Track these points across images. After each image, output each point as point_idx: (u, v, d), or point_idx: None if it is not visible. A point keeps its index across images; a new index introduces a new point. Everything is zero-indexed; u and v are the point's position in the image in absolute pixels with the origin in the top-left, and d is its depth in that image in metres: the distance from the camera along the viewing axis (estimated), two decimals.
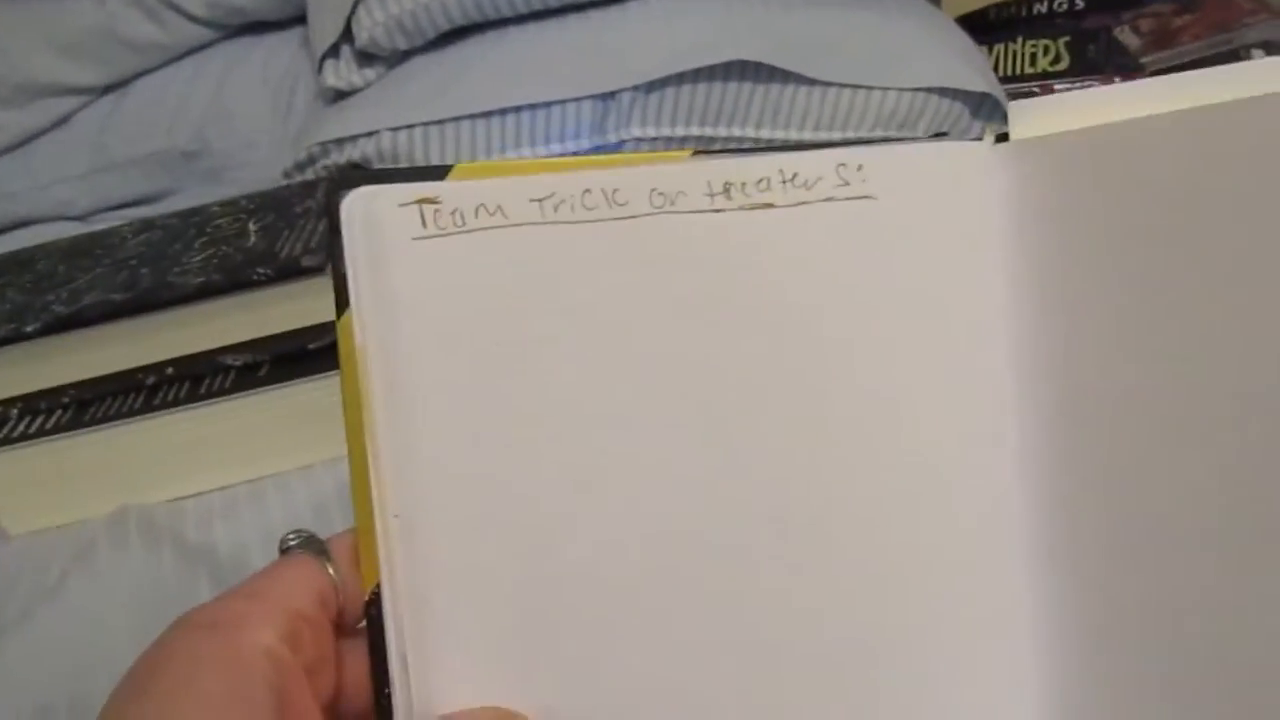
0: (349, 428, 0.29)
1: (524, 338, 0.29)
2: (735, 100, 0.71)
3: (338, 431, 0.29)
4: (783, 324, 0.30)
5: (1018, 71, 0.99)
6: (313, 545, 0.29)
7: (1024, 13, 0.99)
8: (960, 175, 0.31)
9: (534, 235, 0.29)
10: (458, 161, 0.65)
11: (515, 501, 0.29)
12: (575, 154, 0.72)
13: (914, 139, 0.63)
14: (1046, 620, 0.30)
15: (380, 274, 0.29)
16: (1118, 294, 0.29)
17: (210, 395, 0.52)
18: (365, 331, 0.29)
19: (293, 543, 0.29)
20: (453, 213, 0.29)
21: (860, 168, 0.30)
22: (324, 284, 0.54)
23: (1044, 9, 0.98)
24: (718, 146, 0.72)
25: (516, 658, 0.29)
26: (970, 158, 0.31)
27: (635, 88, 0.70)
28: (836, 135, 0.72)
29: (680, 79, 0.70)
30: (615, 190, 0.30)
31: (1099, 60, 0.96)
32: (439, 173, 0.29)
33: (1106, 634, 0.30)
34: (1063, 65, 0.97)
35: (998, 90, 0.71)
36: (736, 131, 0.72)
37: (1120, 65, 0.94)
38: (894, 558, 0.31)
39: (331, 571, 0.29)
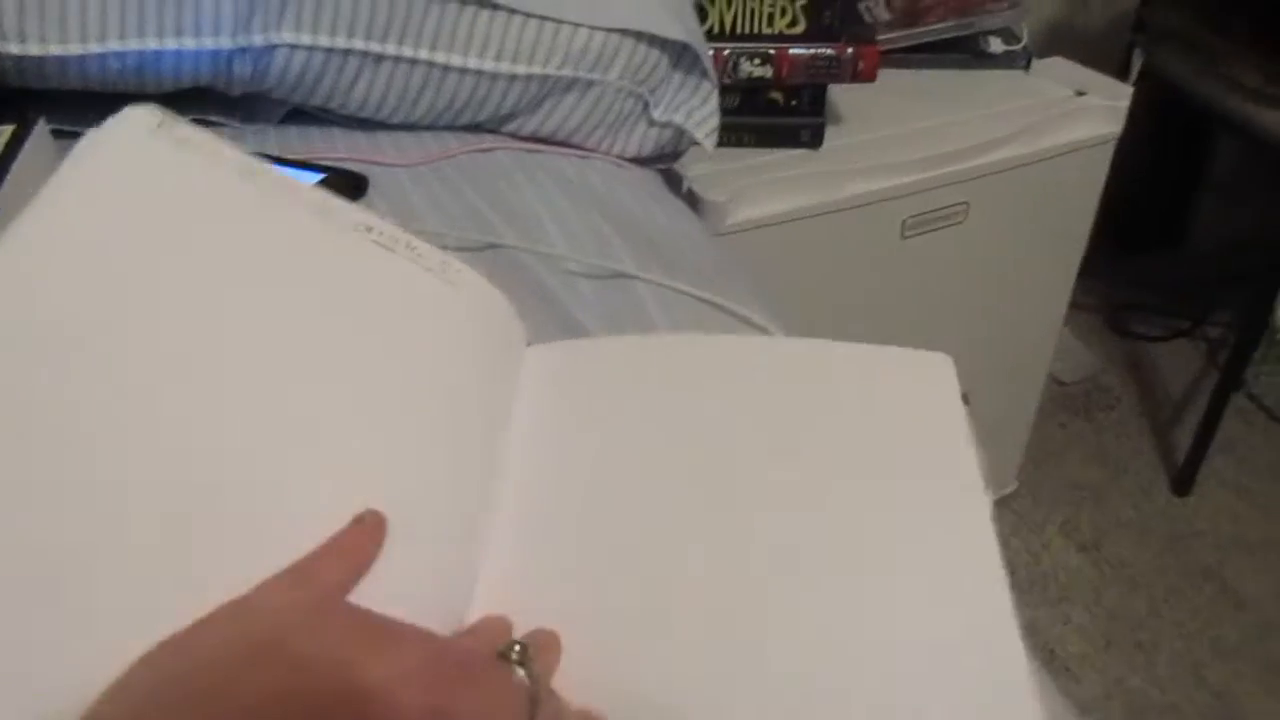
0: None
1: None
2: (406, 14, 0.64)
3: None
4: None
5: (754, 30, 0.96)
6: None
7: None
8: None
9: None
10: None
11: None
12: (216, 54, 0.63)
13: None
14: None
15: None
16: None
17: None
18: None
19: None
20: None
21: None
22: None
23: None
24: (387, 65, 0.65)
25: None
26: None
27: None
28: (521, 70, 0.66)
29: None
30: None
31: (834, 27, 0.93)
32: None
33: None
34: (799, 29, 0.95)
35: (698, 41, 0.67)
36: (408, 52, 0.65)
37: (855, 35, 0.92)
38: None
39: None
